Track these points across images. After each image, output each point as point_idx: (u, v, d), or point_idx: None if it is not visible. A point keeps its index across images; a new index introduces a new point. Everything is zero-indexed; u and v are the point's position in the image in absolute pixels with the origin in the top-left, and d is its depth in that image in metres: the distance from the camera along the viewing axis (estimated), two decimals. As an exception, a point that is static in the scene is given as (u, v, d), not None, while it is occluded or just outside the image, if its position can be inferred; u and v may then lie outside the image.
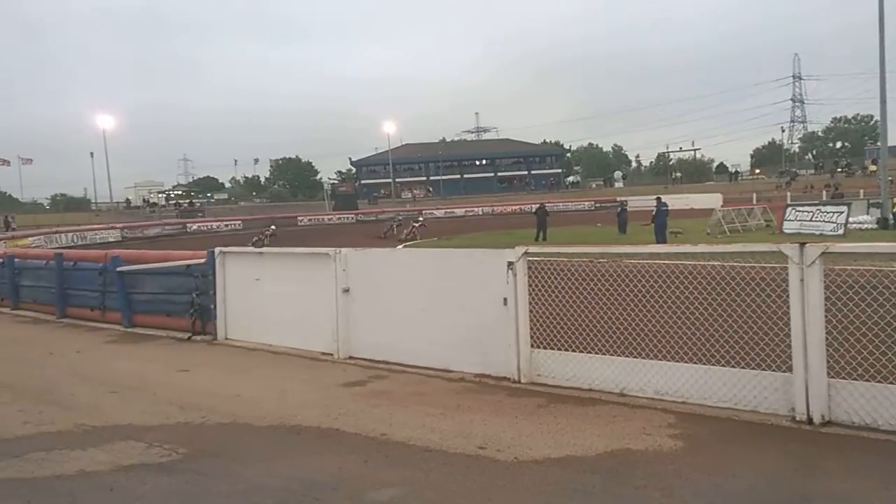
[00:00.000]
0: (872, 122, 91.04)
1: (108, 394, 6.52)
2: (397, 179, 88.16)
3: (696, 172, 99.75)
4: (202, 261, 9.09)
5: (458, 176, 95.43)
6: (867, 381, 4.49)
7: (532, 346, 6.06)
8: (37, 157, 74.71)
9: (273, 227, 29.13)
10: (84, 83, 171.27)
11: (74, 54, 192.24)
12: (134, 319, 10.26)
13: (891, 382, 4.44)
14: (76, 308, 11.59)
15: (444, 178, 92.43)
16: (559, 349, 5.96)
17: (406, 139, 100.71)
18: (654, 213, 22.90)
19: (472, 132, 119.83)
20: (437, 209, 62.28)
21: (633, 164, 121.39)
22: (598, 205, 59.13)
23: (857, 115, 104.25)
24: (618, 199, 48.40)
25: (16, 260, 13.73)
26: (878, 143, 32.26)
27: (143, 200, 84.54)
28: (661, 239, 21.57)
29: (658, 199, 24.38)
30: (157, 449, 4.81)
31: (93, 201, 78.37)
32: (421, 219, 25.73)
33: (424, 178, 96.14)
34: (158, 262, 10.11)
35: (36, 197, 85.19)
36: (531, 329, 6.06)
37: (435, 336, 6.73)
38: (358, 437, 4.92)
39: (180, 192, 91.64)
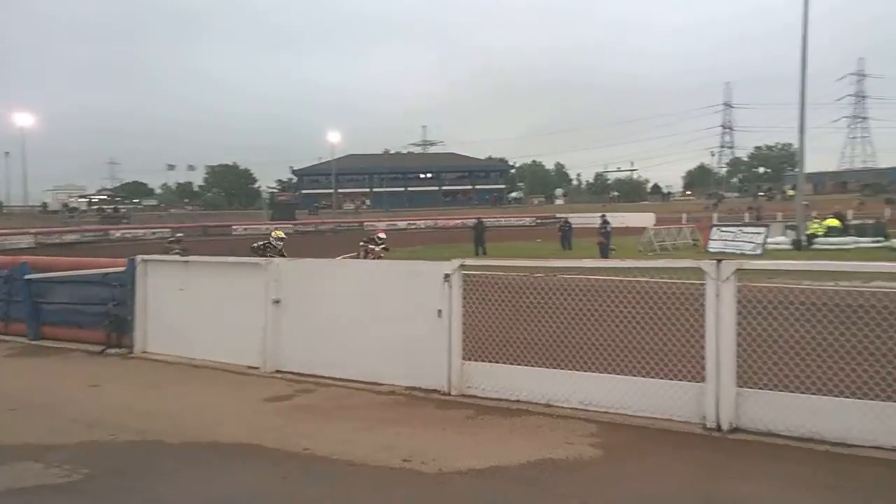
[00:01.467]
0: (791, 150, 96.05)
1: (4, 412, 6.08)
2: (340, 190, 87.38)
3: (633, 192, 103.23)
4: (121, 269, 8.66)
5: (403, 188, 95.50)
6: (770, 390, 4.72)
7: (464, 358, 6.06)
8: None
9: (180, 234, 26.55)
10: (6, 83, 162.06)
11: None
12: (41, 331, 9.60)
13: (790, 391, 4.67)
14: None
15: (387, 189, 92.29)
16: (490, 361, 5.98)
17: (351, 150, 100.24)
18: (608, 229, 24.25)
19: (419, 145, 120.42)
20: (380, 221, 62.00)
21: (574, 182, 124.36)
22: (539, 221, 60.11)
23: (778, 143, 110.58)
24: (557, 215, 49.36)
25: None
26: (797, 170, 34.19)
27: (63, 205, 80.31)
28: (606, 255, 22.76)
29: (603, 216, 25.47)
30: (56, 469, 4.52)
31: (4, 203, 73.86)
32: (382, 235, 17.33)
33: (368, 190, 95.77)
34: (72, 270, 9.50)
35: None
36: (464, 341, 6.06)
37: (366, 349, 6.65)
38: (279, 453, 4.79)
39: (104, 197, 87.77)
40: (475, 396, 5.94)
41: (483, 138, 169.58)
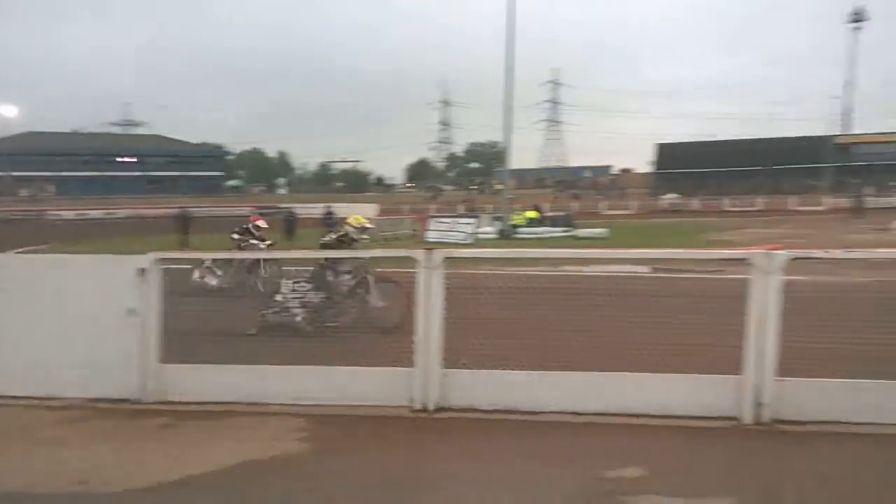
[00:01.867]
0: (499, 148, 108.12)
1: None
2: (14, 173, 73.66)
3: (357, 183, 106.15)
4: None
5: (98, 173, 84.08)
6: (470, 368, 5.05)
7: (162, 361, 5.44)
8: None
9: None
10: None
11: None
12: None
13: (489, 369, 5.03)
14: None
15: (78, 174, 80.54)
16: (195, 363, 5.47)
17: (32, 127, 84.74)
18: (333, 219, 24.46)
19: (119, 125, 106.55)
20: (69, 209, 53.88)
21: (298, 172, 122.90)
22: (259, 211, 58.04)
23: (490, 140, 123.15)
24: (280, 205, 48.33)
25: None
26: (504, 167, 38.59)
27: None
28: None
29: (328, 206, 25.92)
30: None
31: None
32: (262, 224, 12.84)
33: (52, 174, 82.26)
34: None
35: None
36: (164, 343, 5.45)
37: (37, 358, 5.56)
38: None
39: None
40: (175, 402, 5.36)
41: (199, 122, 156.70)
